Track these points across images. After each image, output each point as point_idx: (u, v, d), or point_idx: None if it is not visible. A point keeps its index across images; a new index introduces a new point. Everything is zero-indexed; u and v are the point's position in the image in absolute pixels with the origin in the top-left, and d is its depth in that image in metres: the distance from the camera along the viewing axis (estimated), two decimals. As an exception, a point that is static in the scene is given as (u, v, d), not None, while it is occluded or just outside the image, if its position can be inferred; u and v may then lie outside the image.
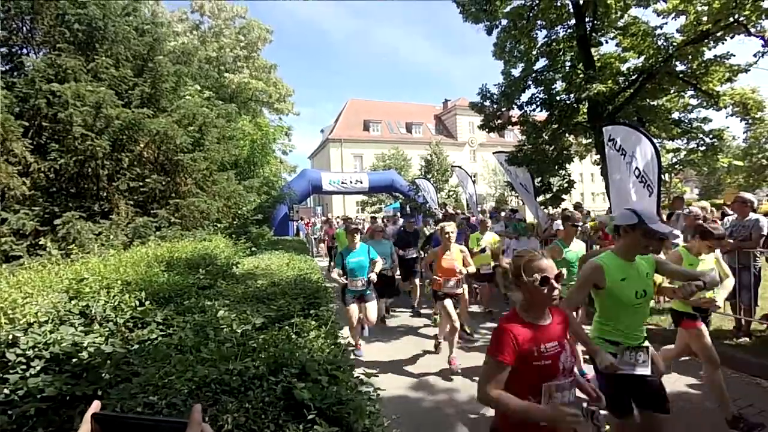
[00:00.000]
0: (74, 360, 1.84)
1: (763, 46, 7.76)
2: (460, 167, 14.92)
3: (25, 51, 6.38)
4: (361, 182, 18.83)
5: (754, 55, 8.00)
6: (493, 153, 11.83)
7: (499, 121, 10.48)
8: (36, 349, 1.85)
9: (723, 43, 8.01)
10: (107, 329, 2.27)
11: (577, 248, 4.26)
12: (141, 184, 6.18)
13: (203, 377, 1.58)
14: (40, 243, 4.85)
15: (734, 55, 8.20)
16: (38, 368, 1.76)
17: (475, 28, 9.90)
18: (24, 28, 6.30)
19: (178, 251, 4.64)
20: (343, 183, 18.40)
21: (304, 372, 1.66)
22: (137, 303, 2.63)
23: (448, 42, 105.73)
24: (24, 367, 1.76)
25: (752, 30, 7.57)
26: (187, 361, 1.74)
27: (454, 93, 77.82)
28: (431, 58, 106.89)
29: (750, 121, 10.53)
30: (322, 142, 42.89)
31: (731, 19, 7.33)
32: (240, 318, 2.42)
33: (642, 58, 9.07)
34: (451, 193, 25.12)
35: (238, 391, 1.55)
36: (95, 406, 0.74)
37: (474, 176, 24.30)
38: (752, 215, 4.68)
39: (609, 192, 8.98)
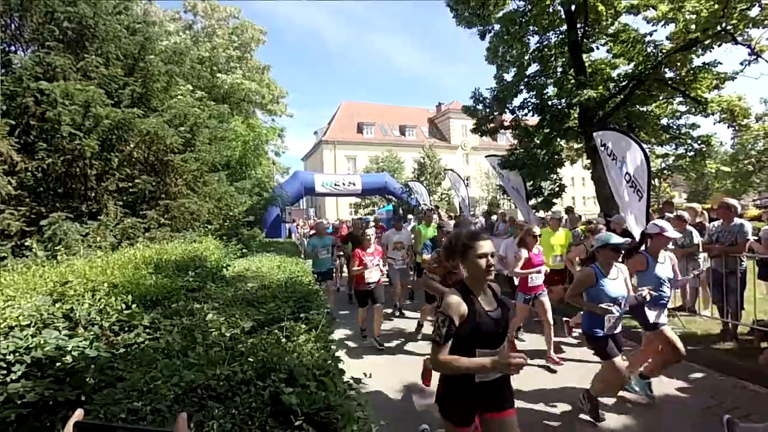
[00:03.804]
0: (57, 364, 1.79)
1: (749, 54, 7.92)
2: (452, 170, 14.99)
3: (12, 48, 6.27)
4: (354, 184, 18.81)
5: (741, 64, 8.17)
6: (486, 156, 11.92)
7: (492, 125, 10.55)
8: (17, 354, 1.80)
9: (711, 51, 8.19)
10: (92, 333, 2.23)
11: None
12: (130, 184, 6.10)
13: (189, 382, 1.56)
14: (26, 244, 4.76)
15: (721, 63, 8.38)
16: (19, 373, 1.71)
17: (468, 33, 9.98)
18: (12, 25, 6.19)
19: (167, 253, 4.58)
20: (335, 185, 18.36)
21: (293, 377, 1.64)
22: (123, 306, 2.58)
23: (440, 48, 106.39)
24: (4, 372, 1.72)
25: (739, 39, 7.74)
26: (173, 366, 1.71)
27: (446, 97, 78.30)
28: (424, 62, 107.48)
29: (737, 127, 10.74)
30: (316, 144, 42.81)
31: (719, 28, 7.47)
32: (229, 321, 2.39)
33: (632, 65, 9.22)
34: (443, 196, 25.24)
35: (224, 397, 1.52)
36: (78, 414, 0.71)
37: (467, 179, 24.46)
38: (737, 220, 4.76)
39: (599, 195, 9.10)
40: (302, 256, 8.82)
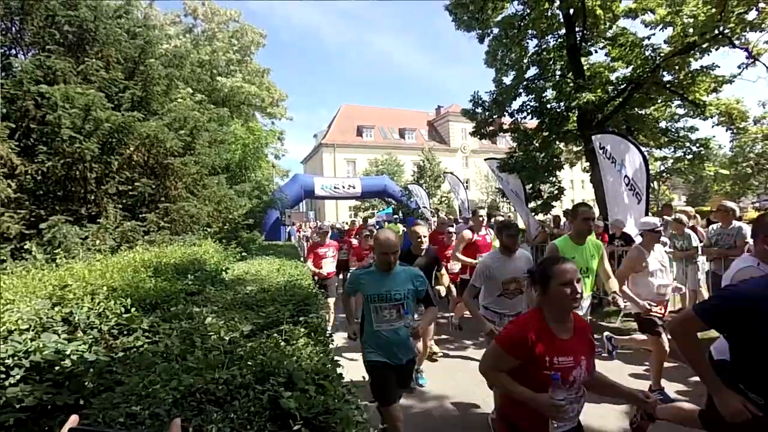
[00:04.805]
0: (56, 368, 1.79)
1: (747, 57, 7.96)
2: (452, 173, 15.02)
3: (13, 52, 6.29)
4: (354, 187, 18.83)
5: (738, 67, 8.21)
6: (485, 160, 11.94)
7: (491, 128, 10.58)
8: (16, 358, 1.80)
9: (708, 55, 8.23)
10: (91, 337, 2.22)
11: None
12: (130, 187, 6.10)
13: (188, 386, 1.55)
14: (25, 247, 4.76)
15: (719, 67, 8.43)
16: (18, 377, 1.71)
17: (468, 36, 10.04)
18: (13, 28, 6.21)
19: (167, 256, 4.57)
20: (335, 188, 18.38)
21: (291, 381, 1.64)
22: (123, 309, 2.58)
23: (440, 50, 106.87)
24: (3, 376, 1.71)
25: (737, 42, 7.78)
26: (172, 370, 1.71)
27: (446, 100, 78.60)
28: (424, 63, 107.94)
29: (735, 130, 10.79)
30: (315, 147, 42.87)
31: (716, 32, 7.51)
32: (228, 325, 2.39)
33: (630, 68, 9.25)
34: (443, 199, 25.28)
35: (223, 401, 1.52)
36: (72, 420, 0.72)
37: (466, 182, 24.53)
38: (735, 223, 4.78)
39: (598, 199, 9.12)
40: (302, 259, 8.72)
